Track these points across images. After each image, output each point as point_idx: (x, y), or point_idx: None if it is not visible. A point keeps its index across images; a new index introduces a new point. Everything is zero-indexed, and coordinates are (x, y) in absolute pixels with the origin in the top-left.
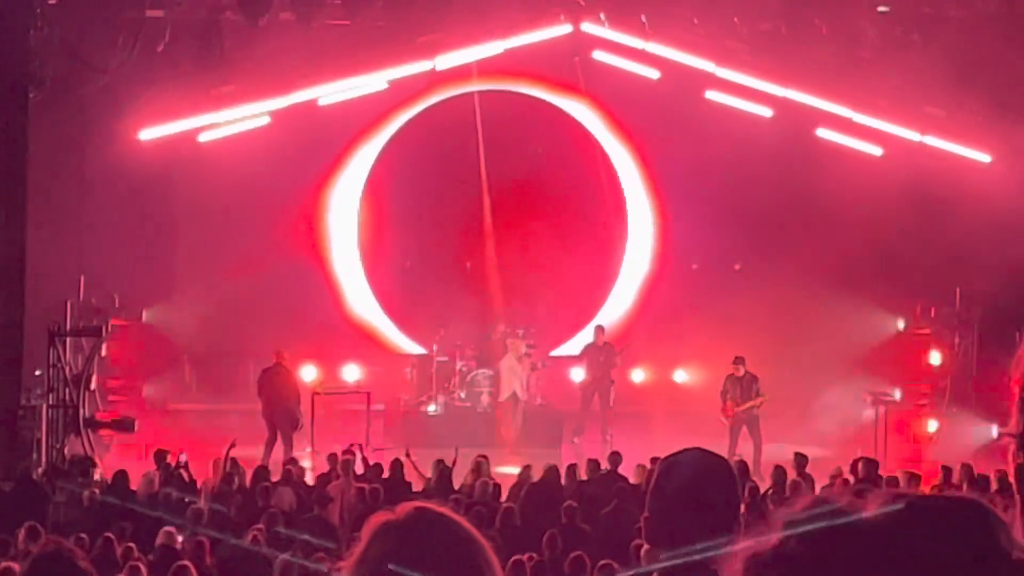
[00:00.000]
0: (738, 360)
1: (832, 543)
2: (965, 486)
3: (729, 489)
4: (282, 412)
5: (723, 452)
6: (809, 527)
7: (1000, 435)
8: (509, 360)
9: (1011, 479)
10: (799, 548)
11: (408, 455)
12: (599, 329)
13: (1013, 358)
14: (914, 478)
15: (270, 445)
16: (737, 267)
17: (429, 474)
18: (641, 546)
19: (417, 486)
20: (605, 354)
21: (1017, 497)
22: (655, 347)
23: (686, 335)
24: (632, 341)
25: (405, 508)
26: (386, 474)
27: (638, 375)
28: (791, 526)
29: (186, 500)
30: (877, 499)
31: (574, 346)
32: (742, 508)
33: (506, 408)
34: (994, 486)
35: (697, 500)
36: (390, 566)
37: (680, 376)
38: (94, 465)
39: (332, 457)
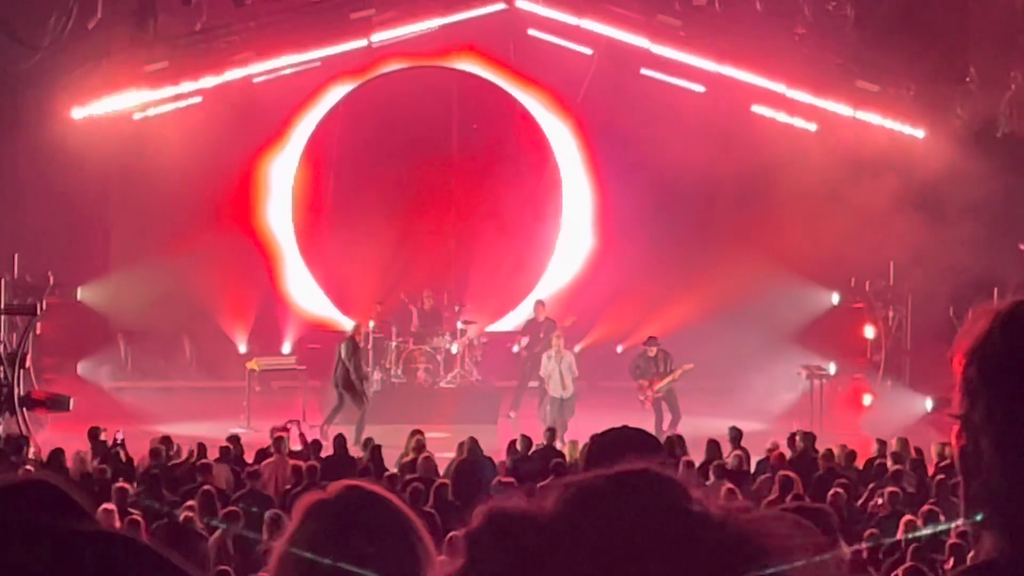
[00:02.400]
0: (651, 340)
1: (516, 551)
2: (890, 462)
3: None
4: (346, 383)
5: (653, 427)
6: (491, 541)
7: (934, 406)
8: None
9: (955, 460)
10: (487, 565)
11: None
12: (539, 304)
13: (956, 334)
14: (848, 453)
15: (336, 411)
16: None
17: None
18: None
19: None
20: (545, 329)
21: (961, 478)
22: (597, 322)
23: (627, 310)
24: (574, 317)
25: (336, 486)
26: (328, 452)
27: (579, 349)
28: (473, 544)
29: (120, 479)
30: (552, 493)
31: (510, 322)
32: None
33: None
34: (934, 459)
35: None
36: (322, 545)
37: (621, 350)
38: (27, 443)
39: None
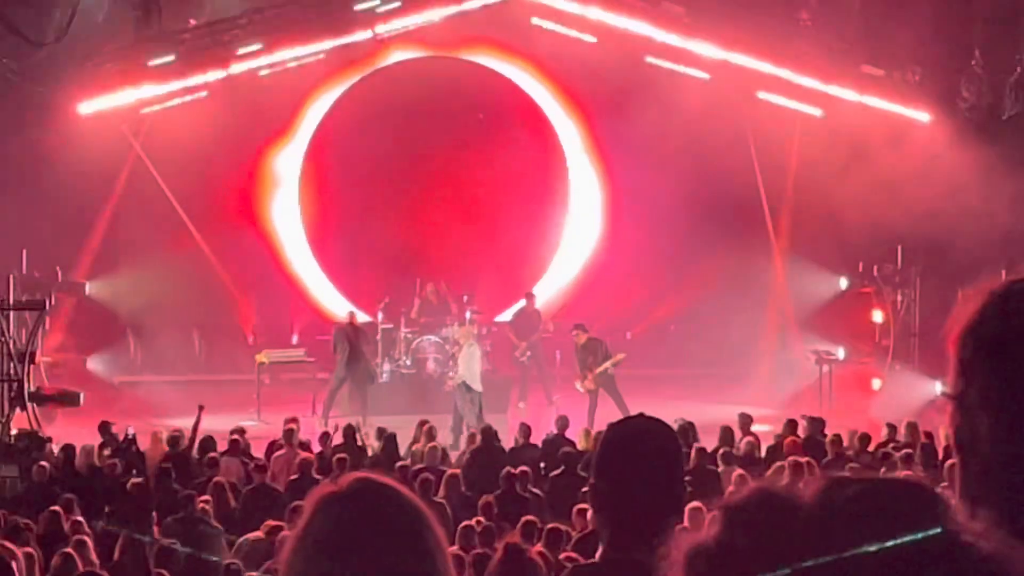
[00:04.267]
0: (578, 327)
1: (777, 534)
2: (901, 447)
3: (673, 456)
4: (359, 368)
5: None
6: (752, 517)
7: (943, 390)
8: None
9: (951, 441)
10: (743, 540)
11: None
12: (529, 296)
13: (951, 318)
14: (861, 437)
15: (332, 398)
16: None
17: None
18: (587, 511)
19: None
20: (535, 320)
21: (957, 458)
22: (605, 311)
23: (633, 298)
24: (562, 306)
25: (347, 479)
26: (338, 442)
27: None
28: (733, 516)
29: (133, 472)
30: (816, 485)
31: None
32: (687, 472)
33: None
34: (942, 443)
35: (641, 468)
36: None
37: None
38: (49, 440)
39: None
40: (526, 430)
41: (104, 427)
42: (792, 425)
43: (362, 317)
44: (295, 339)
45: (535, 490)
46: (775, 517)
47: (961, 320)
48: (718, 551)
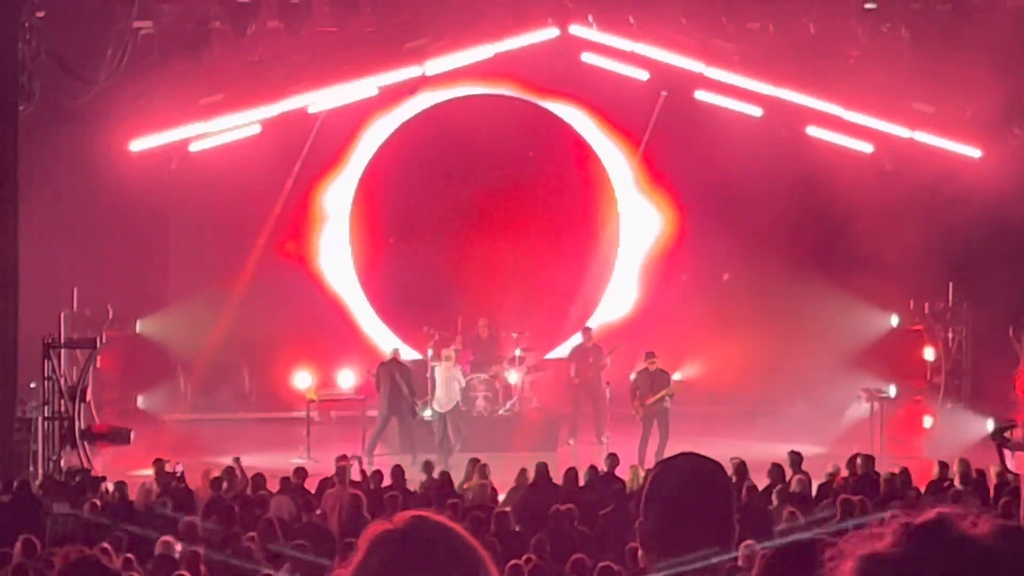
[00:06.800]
0: (649, 355)
1: (954, 561)
2: (958, 480)
3: (723, 494)
4: (400, 403)
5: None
6: (935, 540)
7: (995, 437)
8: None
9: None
10: (922, 558)
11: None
12: (586, 331)
13: (1015, 354)
14: (910, 474)
15: (378, 436)
16: (726, 277)
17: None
18: (637, 549)
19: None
20: (593, 356)
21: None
22: (653, 348)
23: (683, 335)
24: (620, 342)
25: (403, 517)
26: (387, 481)
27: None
28: (915, 535)
29: (183, 509)
30: (987, 524)
31: (567, 349)
32: (738, 510)
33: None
34: (992, 480)
35: (691, 506)
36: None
37: (679, 377)
38: (103, 479)
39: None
40: (592, 470)
41: (158, 465)
42: (853, 463)
43: (412, 354)
44: (344, 376)
45: (580, 528)
46: (956, 545)
47: None
48: (899, 564)
